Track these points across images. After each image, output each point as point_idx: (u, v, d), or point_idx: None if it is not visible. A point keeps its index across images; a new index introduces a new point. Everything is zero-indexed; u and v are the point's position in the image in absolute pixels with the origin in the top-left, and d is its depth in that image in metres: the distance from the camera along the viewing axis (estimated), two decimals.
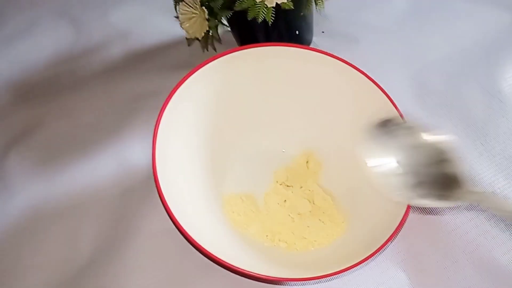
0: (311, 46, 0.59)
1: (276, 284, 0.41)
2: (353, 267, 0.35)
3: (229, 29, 0.54)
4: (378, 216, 0.40)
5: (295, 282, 0.41)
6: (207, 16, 0.46)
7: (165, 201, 0.36)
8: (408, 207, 0.37)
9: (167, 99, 0.39)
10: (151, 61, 0.58)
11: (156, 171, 0.36)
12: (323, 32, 0.60)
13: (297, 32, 0.54)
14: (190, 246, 0.36)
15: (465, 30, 0.57)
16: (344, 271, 0.35)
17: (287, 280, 0.38)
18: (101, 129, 0.51)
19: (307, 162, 0.47)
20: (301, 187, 0.46)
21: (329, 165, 0.47)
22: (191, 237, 0.35)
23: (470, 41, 0.56)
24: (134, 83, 0.55)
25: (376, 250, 0.35)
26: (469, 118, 0.50)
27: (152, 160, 0.37)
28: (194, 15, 0.47)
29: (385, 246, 0.36)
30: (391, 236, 0.36)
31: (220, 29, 0.50)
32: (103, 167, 0.48)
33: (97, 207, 0.46)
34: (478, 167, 0.47)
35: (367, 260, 0.35)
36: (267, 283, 0.41)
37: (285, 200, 0.45)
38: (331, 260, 0.38)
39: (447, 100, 0.52)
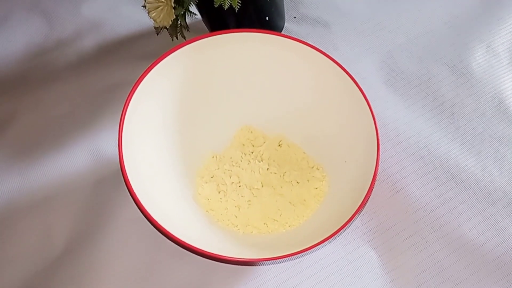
0: (283, 32, 0.59)
1: (249, 265, 0.42)
2: (322, 242, 0.36)
3: (198, 17, 0.54)
4: (345, 194, 0.41)
5: (267, 262, 0.42)
6: (173, 4, 0.46)
7: (133, 190, 0.36)
8: (372, 185, 0.38)
9: (132, 90, 0.39)
10: (123, 51, 0.57)
11: (123, 162, 0.36)
12: (295, 17, 0.60)
13: (267, 18, 0.54)
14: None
15: (434, 11, 0.58)
16: (314, 247, 0.36)
17: (258, 261, 0.38)
18: (73, 121, 0.51)
19: (279, 145, 0.48)
20: (274, 168, 0.46)
21: (299, 147, 0.47)
22: (160, 225, 0.35)
23: (438, 22, 0.57)
24: (106, 74, 0.55)
25: (342, 225, 0.36)
26: (438, 98, 0.51)
27: (119, 151, 0.37)
28: (160, 3, 0.46)
29: (352, 221, 0.37)
30: (356, 211, 0.37)
31: (192, 18, 0.50)
32: (75, 158, 0.48)
33: (70, 198, 0.46)
34: (446, 145, 0.47)
35: (335, 234, 0.36)
36: (240, 265, 0.42)
37: (256, 182, 0.45)
38: (302, 240, 0.39)
39: (416, 81, 0.52)
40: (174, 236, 0.35)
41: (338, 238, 0.43)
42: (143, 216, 0.42)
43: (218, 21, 0.54)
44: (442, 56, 0.54)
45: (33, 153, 0.49)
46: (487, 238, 0.43)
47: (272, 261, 0.41)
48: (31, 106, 0.54)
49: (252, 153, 0.47)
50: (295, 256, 0.38)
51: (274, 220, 0.43)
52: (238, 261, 0.36)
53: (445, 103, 0.51)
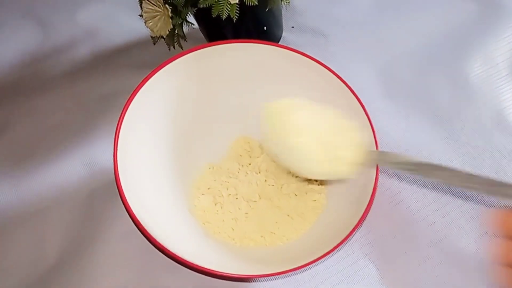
0: (280, 41, 0.59)
1: (245, 281, 0.41)
2: (321, 258, 0.35)
3: (196, 26, 0.54)
4: (343, 207, 0.40)
5: (264, 278, 0.41)
6: (170, 14, 0.45)
7: (127, 202, 0.35)
8: (372, 198, 0.37)
9: (128, 100, 0.38)
10: (118, 60, 0.57)
11: (118, 174, 0.36)
12: (292, 27, 0.60)
13: (265, 28, 0.54)
14: None
15: (432, 22, 0.58)
16: (313, 263, 0.35)
17: (254, 277, 0.38)
18: (67, 130, 0.51)
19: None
20: (272, 180, 0.45)
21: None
22: (154, 239, 0.34)
23: (437, 32, 0.57)
24: (101, 83, 0.55)
25: (342, 240, 0.36)
26: (436, 109, 0.51)
27: (114, 162, 0.36)
28: (157, 13, 0.46)
29: (351, 236, 0.36)
30: (356, 225, 0.36)
31: (189, 27, 0.49)
32: (69, 169, 0.48)
33: (63, 209, 0.45)
34: (444, 157, 0.47)
35: (334, 250, 0.35)
36: (236, 281, 0.41)
37: (254, 194, 0.45)
38: (300, 254, 0.38)
39: (414, 92, 0.52)
40: (168, 250, 0.34)
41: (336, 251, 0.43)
42: (137, 229, 0.42)
43: (216, 31, 0.53)
44: (440, 66, 0.54)
45: (26, 163, 0.49)
46: (487, 253, 0.42)
47: (268, 277, 0.40)
48: (24, 115, 0.53)
49: (250, 164, 0.47)
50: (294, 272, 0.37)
51: (272, 233, 0.42)
52: (235, 277, 0.36)
53: (444, 115, 0.50)
